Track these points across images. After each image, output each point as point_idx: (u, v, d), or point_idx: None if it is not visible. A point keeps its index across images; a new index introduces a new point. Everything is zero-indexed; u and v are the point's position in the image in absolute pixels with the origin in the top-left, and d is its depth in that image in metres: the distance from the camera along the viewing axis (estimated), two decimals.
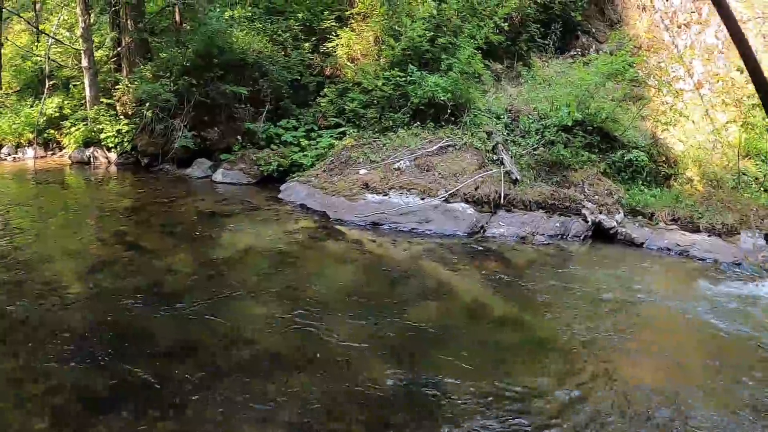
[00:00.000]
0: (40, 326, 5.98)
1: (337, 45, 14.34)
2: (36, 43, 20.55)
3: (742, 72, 13.51)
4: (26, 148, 17.61)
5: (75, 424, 4.40)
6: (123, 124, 15.40)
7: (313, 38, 15.20)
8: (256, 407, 4.61)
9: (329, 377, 5.11)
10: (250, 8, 16.20)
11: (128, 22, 16.28)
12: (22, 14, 21.03)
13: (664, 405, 4.93)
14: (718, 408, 4.95)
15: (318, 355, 5.54)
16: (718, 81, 13.91)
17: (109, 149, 15.85)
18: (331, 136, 13.07)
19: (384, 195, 10.58)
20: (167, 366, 5.22)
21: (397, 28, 13.21)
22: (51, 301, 6.58)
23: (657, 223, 10.49)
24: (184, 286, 7.24)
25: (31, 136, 17.35)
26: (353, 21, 14.66)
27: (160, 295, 6.90)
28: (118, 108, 15.83)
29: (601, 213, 10.26)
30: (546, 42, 14.89)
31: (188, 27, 15.97)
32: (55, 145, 17.64)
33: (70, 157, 16.43)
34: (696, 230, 10.28)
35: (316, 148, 12.95)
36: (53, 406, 4.60)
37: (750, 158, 12.39)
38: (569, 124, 11.10)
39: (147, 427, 4.35)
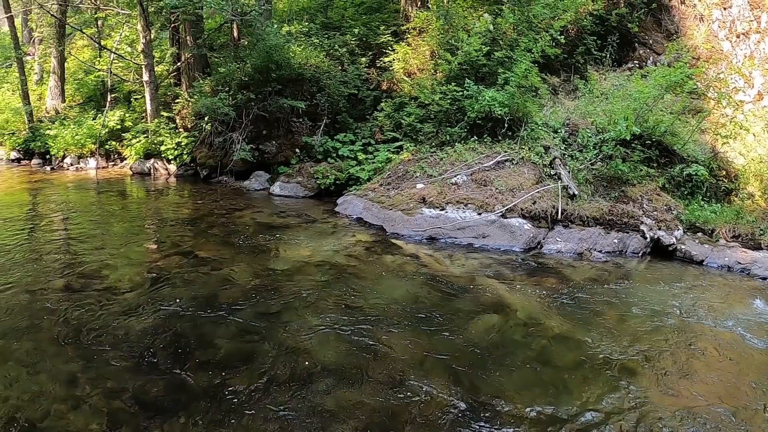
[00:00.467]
0: (101, 331, 6.18)
1: (393, 59, 14.50)
2: (98, 58, 21.18)
3: None
4: (88, 158, 18.19)
5: (131, 427, 4.53)
6: (182, 137, 15.78)
7: (370, 53, 15.40)
8: (310, 419, 4.65)
9: (383, 392, 5.12)
10: (306, 24, 16.47)
11: (188, 38, 16.69)
12: (84, 30, 21.62)
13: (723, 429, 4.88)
14: None
15: (372, 369, 5.55)
16: None
17: (168, 161, 16.26)
18: (388, 150, 13.19)
19: (441, 209, 10.63)
20: (223, 374, 5.33)
21: (453, 42, 13.27)
22: (112, 307, 6.80)
23: (717, 240, 10.29)
24: (241, 296, 7.33)
25: (93, 147, 17.88)
26: (409, 36, 14.79)
27: (217, 305, 7.02)
28: (177, 121, 16.24)
29: (659, 229, 10.14)
30: (603, 54, 14.78)
31: (246, 42, 16.28)
32: (116, 156, 18.15)
33: (130, 168, 16.90)
34: (758, 248, 10.03)
35: (373, 162, 13.08)
36: (111, 408, 4.74)
37: None
38: (627, 138, 10.98)
39: None
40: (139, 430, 4.51)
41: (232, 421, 4.62)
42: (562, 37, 13.33)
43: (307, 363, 5.60)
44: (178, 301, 7.12)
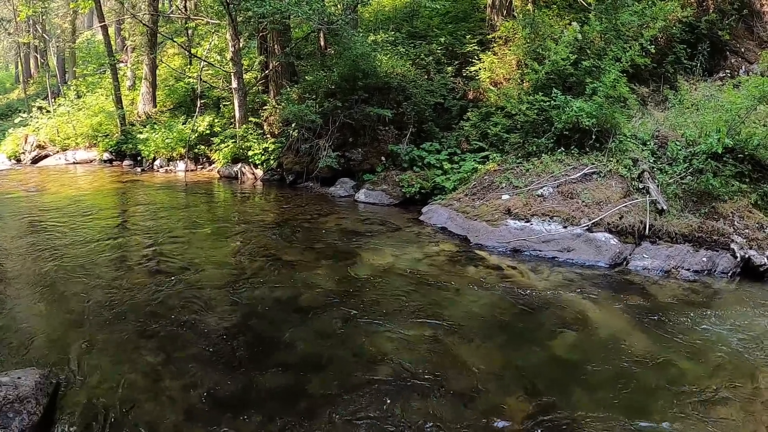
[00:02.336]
0: (183, 327, 6.49)
1: (479, 69, 14.56)
2: (188, 66, 21.94)
3: None
4: (177, 161, 18.90)
5: (204, 422, 4.73)
6: (269, 143, 16.19)
7: (456, 62, 15.50)
8: (384, 427, 4.72)
9: (459, 404, 5.14)
10: (392, 33, 16.67)
11: (275, 46, 17.12)
12: (175, 39, 22.38)
13: None
14: None
15: (449, 380, 5.57)
16: None
17: (255, 166, 16.70)
18: (474, 160, 13.20)
19: (526, 221, 10.61)
20: (300, 376, 5.47)
21: (539, 51, 13.23)
22: (195, 305, 7.12)
23: None
24: (323, 300, 7.48)
25: (182, 150, 18.58)
26: (495, 45, 14.82)
27: (298, 308, 7.21)
28: (265, 127, 16.66)
29: (751, 248, 9.85)
30: (693, 63, 14.46)
31: (333, 51, 16.58)
32: (204, 159, 18.77)
33: (218, 172, 17.45)
34: None
35: (459, 172, 13.10)
36: (187, 402, 4.97)
37: None
38: (719, 151, 10.69)
39: None
40: (211, 425, 4.70)
41: (305, 424, 4.74)
42: (651, 45, 13.12)
43: (383, 370, 5.68)
44: (259, 301, 7.38)
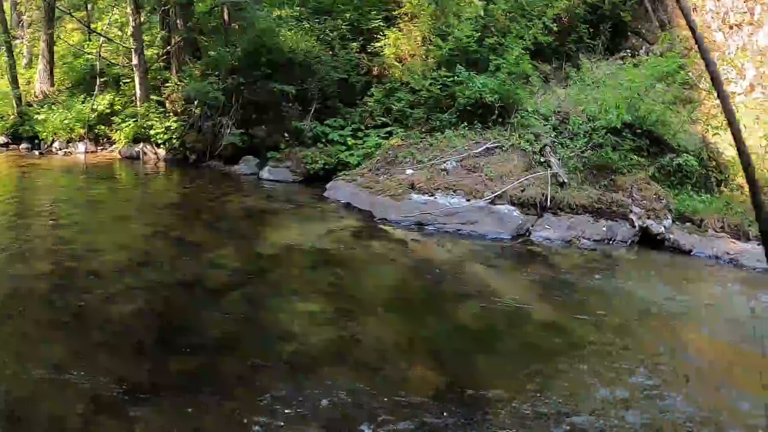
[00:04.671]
0: (87, 316, 6.12)
1: (384, 45, 14.40)
2: (88, 42, 20.99)
3: None
4: (77, 143, 18.08)
5: (116, 412, 4.46)
6: (172, 121, 15.71)
7: (361, 38, 15.30)
8: (295, 404, 4.59)
9: (368, 377, 5.08)
10: (297, 8, 16.33)
11: (178, 21, 16.61)
12: (74, 13, 21.47)
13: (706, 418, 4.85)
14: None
15: (358, 353, 5.54)
16: None
17: (158, 145, 16.17)
18: (378, 136, 13.14)
19: (430, 195, 10.56)
20: (209, 359, 5.30)
21: (444, 28, 13.19)
22: (98, 292, 6.71)
23: (706, 230, 10.28)
24: (229, 281, 7.31)
25: (82, 131, 17.77)
26: (401, 21, 14.70)
27: (204, 290, 7.02)
28: (167, 105, 16.17)
29: (648, 218, 10.11)
30: (595, 43, 14.67)
31: (237, 26, 16.17)
32: (105, 140, 18.04)
33: (119, 153, 16.83)
34: (746, 238, 10.06)
35: (363, 148, 13.03)
36: (95, 393, 4.66)
37: None
38: (618, 126, 10.95)
39: (186, 418, 4.40)
40: (124, 414, 4.45)
41: (217, 406, 4.57)
42: (555, 24, 13.27)
43: (292, 348, 5.56)
44: (164, 284, 7.11)
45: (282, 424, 4.37)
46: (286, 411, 4.52)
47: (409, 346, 5.80)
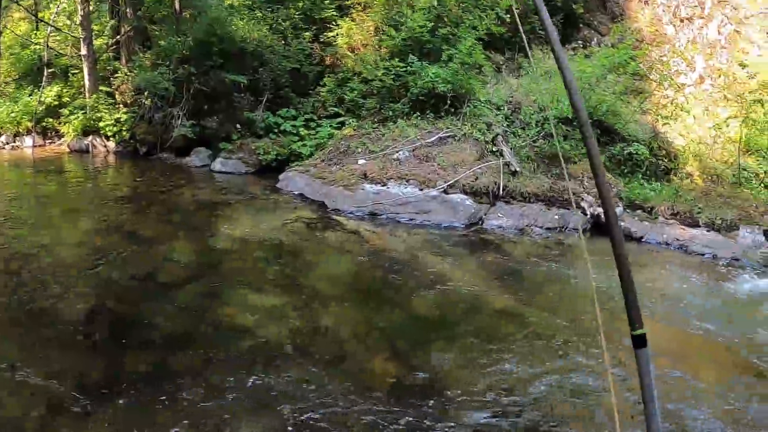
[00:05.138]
0: (39, 314, 5.97)
1: (337, 34, 14.30)
2: (35, 31, 20.45)
3: (744, 67, 13.48)
4: (24, 136, 17.57)
5: (72, 412, 4.36)
6: (122, 113, 15.38)
7: (314, 27, 15.18)
8: (253, 398, 4.57)
9: (326, 368, 5.06)
10: None
11: (127, 10, 16.30)
12: (21, 2, 20.90)
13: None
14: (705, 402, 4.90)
15: (313, 346, 5.50)
16: (719, 76, 13.86)
17: (107, 138, 15.80)
18: (331, 126, 13.06)
19: (382, 185, 10.52)
20: (165, 355, 5.22)
21: (397, 18, 13.12)
22: (50, 289, 6.56)
23: (656, 218, 10.43)
24: (182, 275, 7.25)
25: (29, 124, 17.29)
26: (354, 11, 14.61)
27: (158, 284, 6.94)
28: (117, 96, 15.84)
29: (599, 206, 10.20)
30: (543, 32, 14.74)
31: (188, 15, 15.90)
32: (53, 133, 17.56)
33: (68, 146, 16.40)
34: (695, 225, 10.23)
35: (315, 138, 12.94)
36: (51, 393, 4.56)
37: (751, 154, 12.33)
38: (569, 116, 11.02)
39: (144, 415, 4.31)
40: (80, 414, 4.34)
41: (172, 402, 4.48)
42: (508, 15, 13.28)
43: (247, 342, 5.51)
44: (117, 280, 6.98)
45: (239, 418, 4.33)
46: (243, 405, 4.48)
47: (366, 336, 5.82)
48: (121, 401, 4.45)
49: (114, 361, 5.08)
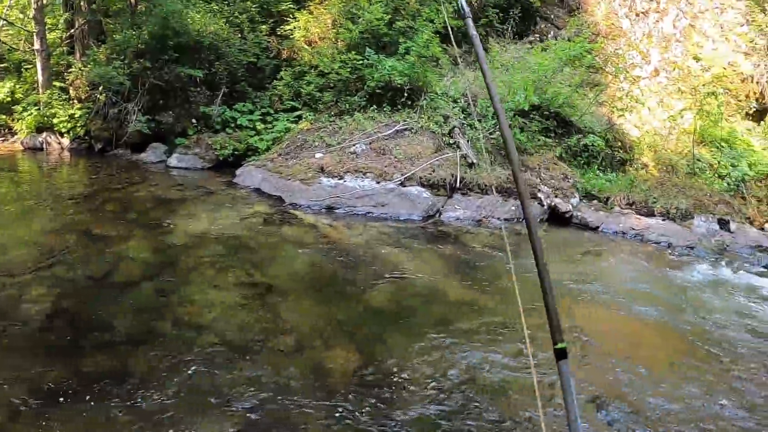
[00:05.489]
0: None
1: (294, 28, 14.15)
2: None
3: (698, 61, 13.69)
4: None
5: (30, 418, 4.24)
6: (76, 109, 15.05)
7: (271, 20, 15.00)
8: (214, 396, 4.51)
9: (286, 363, 5.04)
10: None
11: (82, 3, 15.93)
12: None
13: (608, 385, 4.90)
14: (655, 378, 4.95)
15: (273, 341, 5.46)
16: (674, 69, 14.05)
17: (62, 134, 15.46)
18: (287, 120, 12.92)
19: (339, 179, 10.47)
20: (124, 355, 5.11)
21: (354, 11, 13.05)
22: (4, 291, 6.38)
23: (612, 208, 10.57)
24: (140, 273, 7.10)
25: None
26: (311, 3, 14.50)
27: (115, 284, 6.75)
28: (71, 92, 15.49)
29: (556, 197, 10.29)
30: (504, 27, 14.85)
31: (143, 8, 15.63)
32: (6, 131, 17.15)
33: (22, 143, 16.00)
34: (651, 214, 10.40)
35: (272, 132, 12.79)
36: (9, 400, 4.41)
37: (704, 145, 12.53)
38: (526, 108, 11.11)
39: (104, 418, 4.21)
40: (38, 420, 4.20)
41: (131, 403, 4.39)
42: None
43: (207, 339, 5.42)
44: (73, 281, 6.79)
45: (199, 416, 4.27)
46: (203, 403, 4.42)
47: (326, 330, 5.77)
48: (78, 404, 4.35)
49: (70, 363, 4.95)
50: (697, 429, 4.45)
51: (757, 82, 14.69)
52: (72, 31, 16.49)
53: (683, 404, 4.75)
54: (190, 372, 4.81)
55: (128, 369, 4.87)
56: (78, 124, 14.98)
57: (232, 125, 13.45)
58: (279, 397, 4.50)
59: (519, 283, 6.84)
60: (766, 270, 8.98)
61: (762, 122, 14.50)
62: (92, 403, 4.36)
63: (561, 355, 2.44)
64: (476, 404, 4.58)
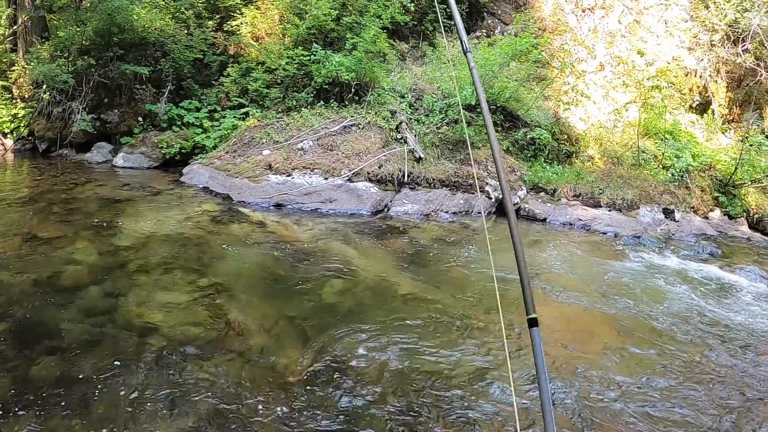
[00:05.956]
0: None
1: (241, 23, 14.01)
2: None
3: (642, 55, 13.91)
4: None
5: None
6: (19, 108, 14.71)
7: (217, 16, 14.81)
8: (166, 399, 4.45)
9: (238, 363, 5.01)
10: None
11: None
12: None
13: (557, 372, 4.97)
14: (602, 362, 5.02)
15: (225, 341, 5.42)
16: (619, 63, 14.26)
17: (4, 135, 15.10)
18: (235, 117, 12.76)
19: (287, 176, 10.43)
20: (72, 361, 4.99)
21: (301, 6, 12.97)
22: None
23: (559, 199, 10.71)
24: (86, 276, 6.91)
25: None
26: None
27: (61, 288, 6.58)
28: (14, 91, 15.14)
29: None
30: (452, 22, 14.87)
31: (88, 4, 15.33)
32: None
33: None
34: (597, 205, 10.58)
35: (219, 130, 12.62)
36: None
37: (649, 137, 12.77)
38: (473, 103, 11.16)
39: (53, 427, 4.12)
40: None
41: (83, 409, 4.29)
42: (413, 4, 13.36)
43: (159, 342, 5.34)
44: (18, 286, 6.56)
45: (152, 420, 4.21)
46: (156, 407, 4.36)
47: (277, 328, 5.75)
48: (27, 412, 4.24)
49: (19, 372, 4.81)
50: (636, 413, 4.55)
51: (700, 76, 15.02)
52: (15, 27, 16.10)
53: (616, 385, 4.83)
54: (141, 376, 4.74)
55: (78, 374, 4.76)
56: (21, 124, 14.66)
57: (179, 123, 13.25)
58: (232, 398, 4.48)
59: (473, 277, 6.94)
60: (710, 257, 9.21)
61: (705, 115, 14.86)
62: (42, 411, 4.26)
63: (533, 323, 2.72)
64: (426, 395, 4.62)
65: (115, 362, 4.95)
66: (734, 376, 5.28)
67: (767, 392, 5.06)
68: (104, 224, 9.02)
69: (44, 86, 13.94)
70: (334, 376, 4.81)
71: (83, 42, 14.01)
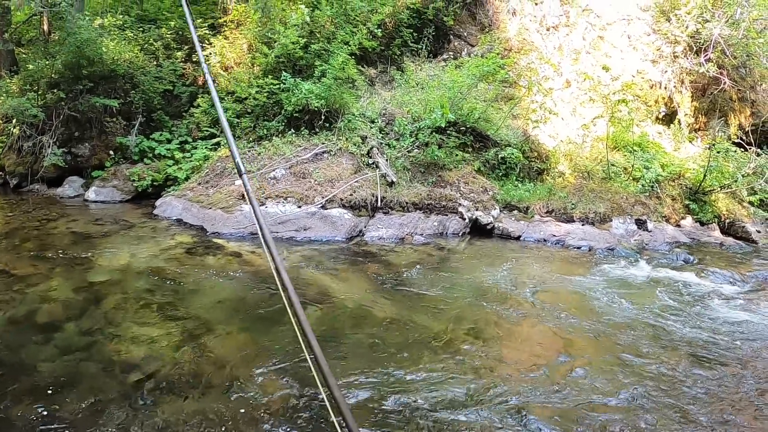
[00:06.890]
0: None
1: (210, 53, 14.05)
2: None
3: (607, 70, 14.13)
4: None
5: None
6: None
7: (186, 47, 14.86)
8: None
9: (218, 396, 4.97)
10: (121, 16, 15.66)
11: None
12: None
13: (547, 387, 5.02)
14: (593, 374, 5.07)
15: (204, 374, 5.38)
16: (585, 79, 14.46)
17: None
18: (206, 147, 12.78)
19: (261, 205, 10.41)
20: (49, 401, 4.92)
21: (270, 35, 13.05)
22: None
23: (532, 216, 10.83)
24: (61, 313, 6.80)
25: None
26: (227, 29, 14.41)
27: (36, 326, 6.48)
28: None
29: (477, 210, 10.50)
30: (419, 46, 15.10)
31: (57, 37, 15.31)
32: None
33: None
34: (570, 220, 10.73)
35: (191, 161, 12.62)
36: None
37: (618, 150, 12.98)
38: (442, 125, 11.27)
39: None
40: None
41: None
42: (380, 29, 13.48)
43: (135, 378, 5.28)
44: None
45: None
46: None
47: (255, 360, 5.69)
48: None
49: None
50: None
51: (665, 88, 15.32)
52: None
53: (581, 393, 4.89)
54: (121, 413, 4.70)
55: (56, 414, 4.71)
56: None
57: (150, 155, 13.22)
58: (214, 430, 4.46)
59: (450, 298, 6.99)
60: (684, 264, 9.37)
61: (671, 125, 15.13)
62: None
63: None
64: (407, 420, 4.62)
65: (94, 400, 4.90)
66: (700, 385, 5.35)
67: (745, 402, 5.14)
68: (79, 260, 8.95)
69: (14, 120, 13.88)
70: (314, 408, 4.79)
71: (52, 75, 13.96)
